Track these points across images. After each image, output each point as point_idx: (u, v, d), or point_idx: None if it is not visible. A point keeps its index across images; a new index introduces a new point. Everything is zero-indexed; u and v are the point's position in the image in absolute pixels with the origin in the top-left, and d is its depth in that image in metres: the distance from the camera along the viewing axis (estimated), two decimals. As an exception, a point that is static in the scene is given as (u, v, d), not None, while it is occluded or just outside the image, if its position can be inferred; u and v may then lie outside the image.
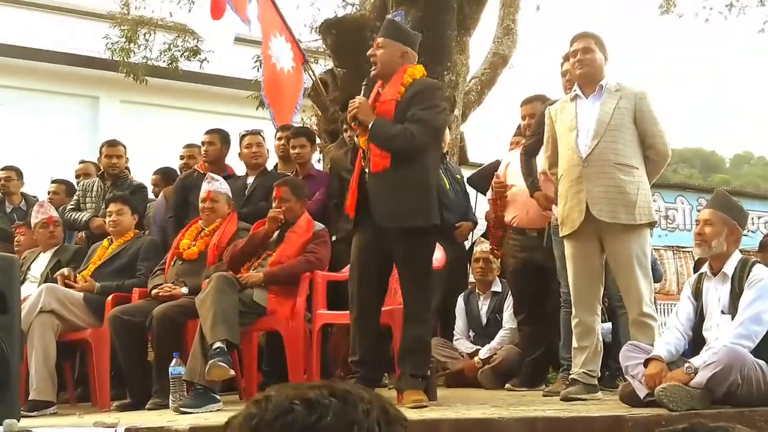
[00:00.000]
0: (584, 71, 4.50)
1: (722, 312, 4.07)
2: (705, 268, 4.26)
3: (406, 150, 4.26)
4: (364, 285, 4.37)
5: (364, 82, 4.43)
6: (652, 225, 4.51)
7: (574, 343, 4.48)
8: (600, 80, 4.51)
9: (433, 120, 4.31)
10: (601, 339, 4.51)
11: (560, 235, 4.58)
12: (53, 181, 7.71)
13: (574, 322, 4.48)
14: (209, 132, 6.45)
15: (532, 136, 5.17)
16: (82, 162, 7.82)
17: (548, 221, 5.12)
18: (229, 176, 6.12)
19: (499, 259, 6.06)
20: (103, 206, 6.27)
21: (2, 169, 7.73)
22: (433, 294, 4.52)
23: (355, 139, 4.54)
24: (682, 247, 14.43)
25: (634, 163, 4.41)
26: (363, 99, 4.35)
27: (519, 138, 6.05)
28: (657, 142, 4.48)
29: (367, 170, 4.34)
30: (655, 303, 4.66)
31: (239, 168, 6.59)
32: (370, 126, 4.27)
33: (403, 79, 4.36)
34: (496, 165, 6.10)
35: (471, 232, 6.50)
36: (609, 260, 4.47)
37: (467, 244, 6.62)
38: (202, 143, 6.48)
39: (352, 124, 4.38)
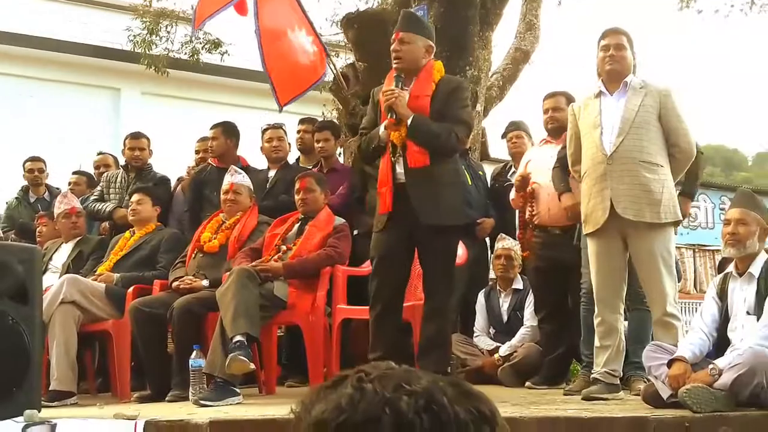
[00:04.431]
0: (614, 68, 4.45)
1: (748, 313, 4.01)
2: (731, 268, 4.20)
3: (446, 149, 4.32)
4: (388, 282, 4.35)
5: (395, 74, 4.35)
6: (677, 224, 4.46)
7: (597, 342, 4.43)
8: (625, 77, 4.46)
9: (470, 120, 4.44)
10: (623, 338, 4.47)
11: (583, 233, 4.54)
12: (74, 173, 7.74)
13: (596, 321, 4.43)
14: (212, 127, 6.44)
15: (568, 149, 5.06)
16: (100, 153, 7.84)
17: (576, 221, 5.05)
18: (243, 167, 6.10)
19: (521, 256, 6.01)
20: (127, 197, 6.29)
21: (30, 160, 7.79)
22: (455, 290, 4.51)
23: (380, 132, 4.40)
24: (704, 246, 14.29)
25: (659, 161, 4.36)
26: (401, 91, 4.30)
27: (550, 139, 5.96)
28: (681, 140, 4.42)
29: (397, 165, 4.30)
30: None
31: (259, 161, 6.57)
32: (409, 121, 4.24)
33: (432, 75, 4.36)
34: None
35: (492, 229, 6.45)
36: (633, 259, 4.42)
37: (488, 241, 6.58)
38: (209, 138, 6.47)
39: (388, 115, 4.28)
